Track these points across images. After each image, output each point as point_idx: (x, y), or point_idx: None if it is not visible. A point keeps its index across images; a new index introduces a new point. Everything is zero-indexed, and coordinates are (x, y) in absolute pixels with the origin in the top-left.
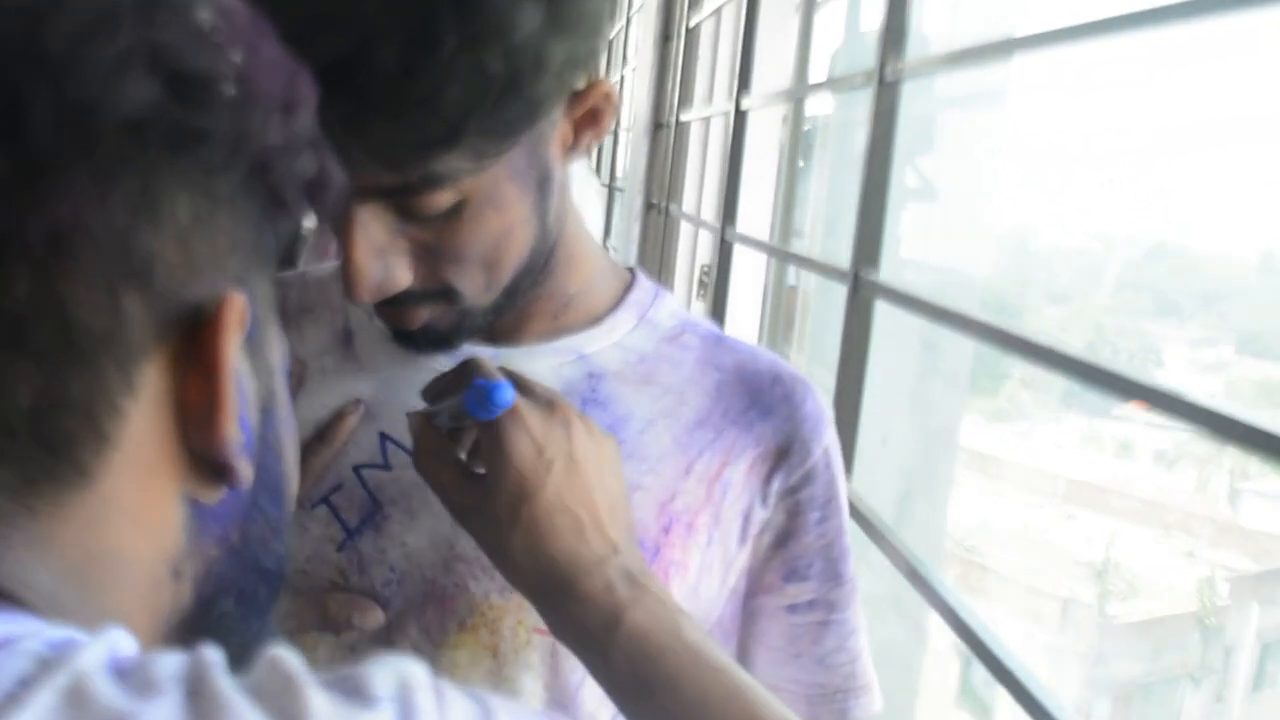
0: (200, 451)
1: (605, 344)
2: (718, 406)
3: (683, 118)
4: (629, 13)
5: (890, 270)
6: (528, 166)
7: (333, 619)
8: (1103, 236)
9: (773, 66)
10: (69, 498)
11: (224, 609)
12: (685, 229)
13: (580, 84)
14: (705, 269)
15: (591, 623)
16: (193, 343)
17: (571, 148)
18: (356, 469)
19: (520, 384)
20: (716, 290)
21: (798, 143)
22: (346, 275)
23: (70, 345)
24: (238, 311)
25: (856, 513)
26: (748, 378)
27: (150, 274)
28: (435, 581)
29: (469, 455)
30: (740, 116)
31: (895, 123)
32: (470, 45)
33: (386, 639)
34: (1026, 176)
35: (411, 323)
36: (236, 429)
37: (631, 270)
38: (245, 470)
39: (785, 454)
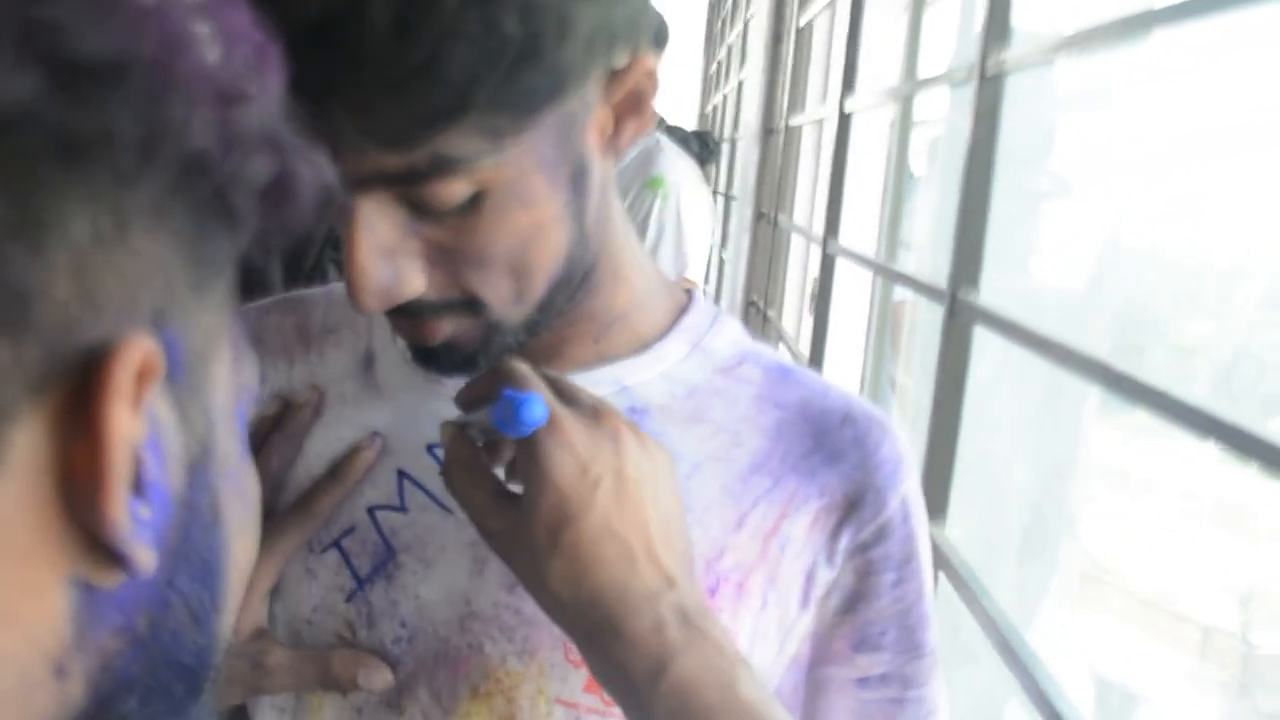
0: (90, 530)
1: (651, 374)
2: (776, 449)
3: (792, 122)
4: (746, 15)
5: (1011, 282)
6: (558, 155)
7: (337, 678)
8: (1248, 245)
9: (881, 68)
10: None
11: (127, 710)
12: (797, 240)
13: (619, 62)
14: (817, 283)
15: (635, 668)
16: (81, 399)
17: (613, 138)
18: (370, 510)
19: (561, 391)
20: (819, 306)
21: (905, 149)
22: (350, 278)
23: None
24: (135, 360)
25: (948, 566)
26: (813, 417)
27: (26, 314)
28: (448, 641)
29: (507, 471)
30: (845, 120)
31: (998, 122)
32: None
33: (395, 702)
34: (1161, 180)
35: (431, 336)
36: (124, 508)
37: (689, 290)
38: (143, 557)
39: (855, 506)
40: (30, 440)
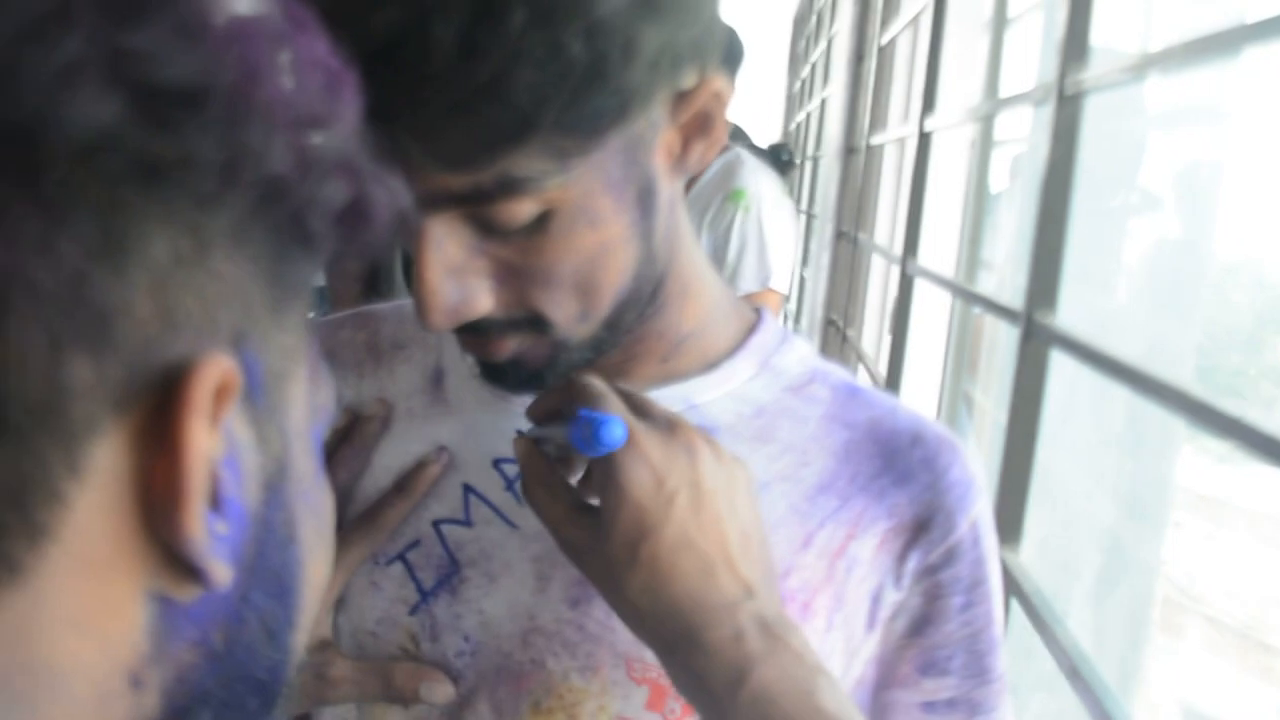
0: (168, 544)
1: (719, 393)
2: (845, 470)
3: (873, 141)
4: (829, 33)
5: (1093, 300)
6: (624, 176)
7: (399, 690)
8: None
9: (964, 87)
10: None
11: None
12: (877, 260)
13: (686, 82)
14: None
15: (715, 678)
16: (161, 416)
17: (680, 158)
18: (436, 524)
19: (636, 405)
20: (897, 326)
21: (985, 168)
22: (418, 297)
23: None
24: (214, 378)
25: (1020, 592)
26: (883, 437)
27: (109, 333)
28: (511, 656)
29: (582, 481)
30: (925, 139)
31: (1076, 142)
32: (543, 21)
33: (456, 716)
34: (1259, 198)
35: (497, 354)
36: (201, 523)
37: (758, 309)
38: (219, 572)
39: (924, 528)
40: (112, 456)
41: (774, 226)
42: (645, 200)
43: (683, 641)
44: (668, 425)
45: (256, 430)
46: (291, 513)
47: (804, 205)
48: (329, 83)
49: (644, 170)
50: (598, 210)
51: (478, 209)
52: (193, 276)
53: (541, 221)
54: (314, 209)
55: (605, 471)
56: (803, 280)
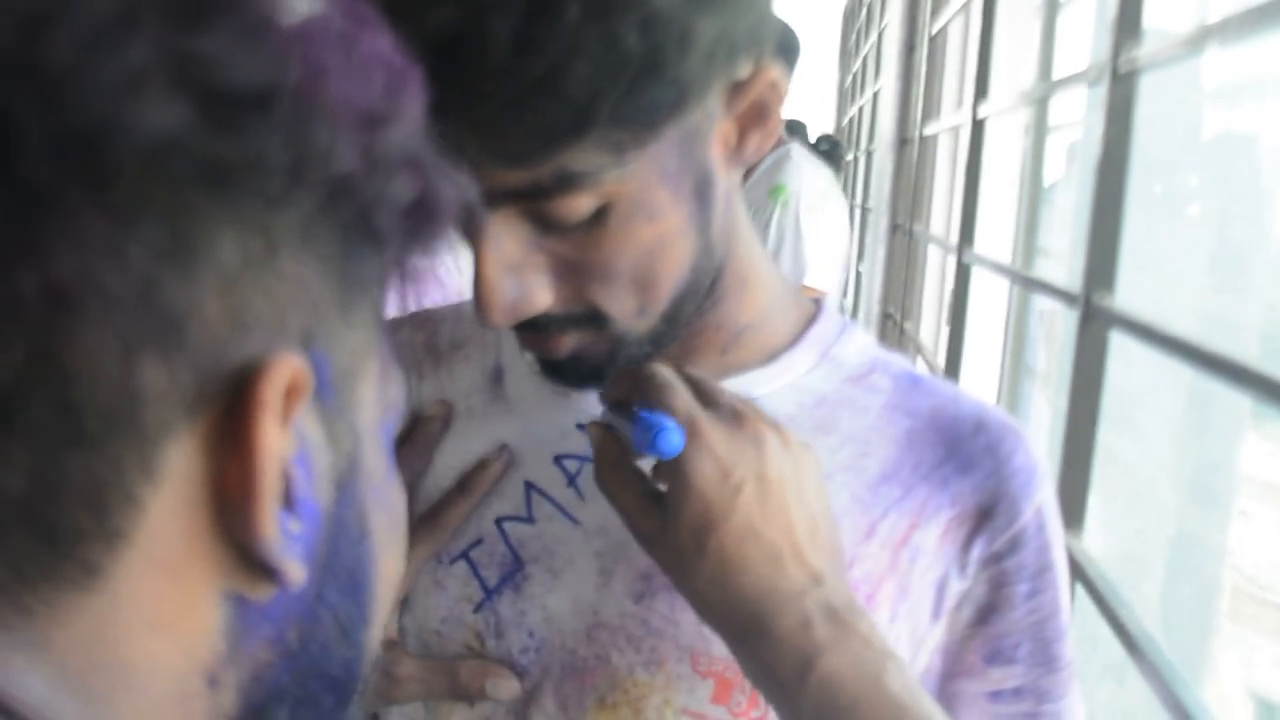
0: (242, 545)
1: (779, 384)
2: (907, 459)
3: (926, 131)
4: (880, 25)
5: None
6: (681, 168)
7: (465, 688)
8: None
9: (1016, 73)
10: (72, 599)
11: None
12: (933, 251)
13: (741, 73)
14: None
15: (783, 665)
16: (232, 417)
17: (737, 150)
18: (498, 521)
19: (703, 392)
20: (955, 316)
21: (1040, 153)
22: (478, 294)
23: (72, 424)
24: (284, 378)
25: (1085, 578)
26: (945, 425)
27: (180, 336)
28: (576, 651)
29: (655, 469)
30: (978, 126)
31: (1131, 121)
32: (598, 15)
33: (522, 713)
34: None
35: (556, 351)
36: (274, 523)
37: (817, 300)
38: (294, 570)
39: (988, 515)
40: (184, 458)
41: (814, 223)
42: (702, 192)
43: (751, 631)
44: (734, 415)
45: (327, 428)
46: (364, 509)
47: (859, 199)
48: (392, 80)
49: (700, 162)
50: (655, 203)
51: (535, 205)
52: (261, 277)
53: (599, 216)
54: (380, 206)
55: (671, 463)
56: (859, 275)
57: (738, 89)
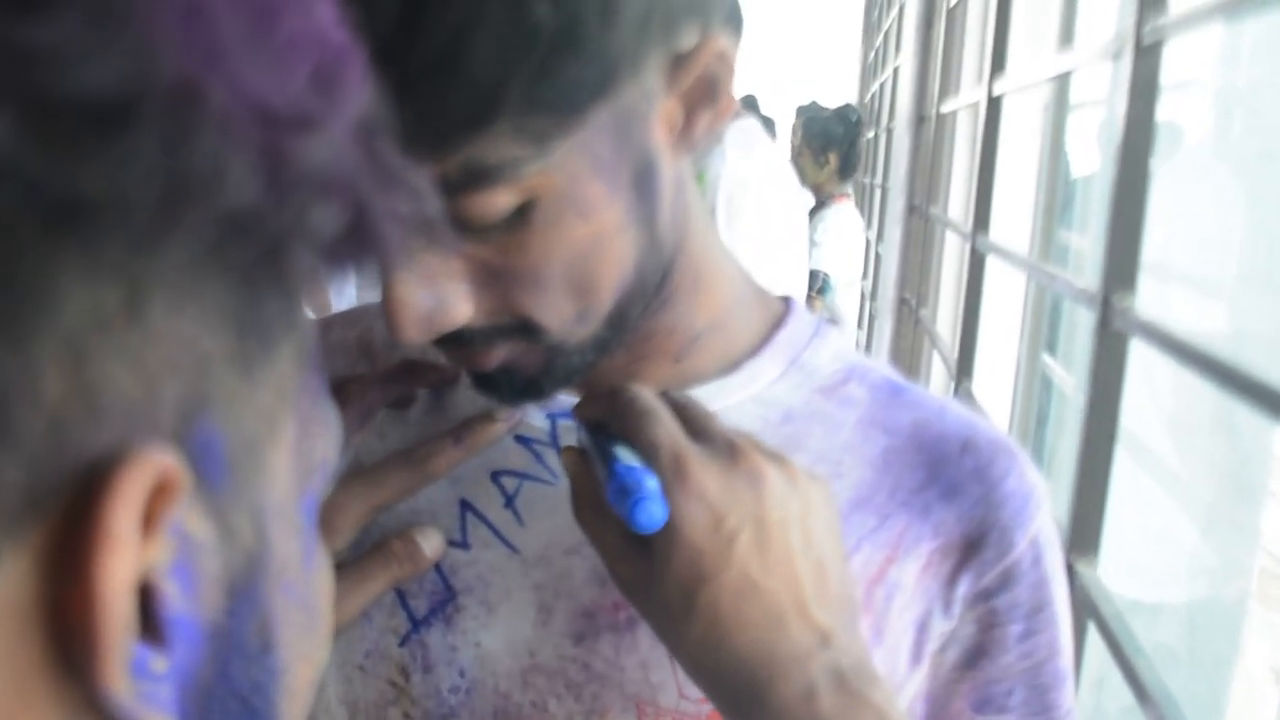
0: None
1: (742, 397)
2: (884, 482)
3: (943, 109)
4: (901, 0)
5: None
6: (616, 156)
7: (401, 559)
8: None
9: (1035, 49)
10: None
11: None
12: (952, 235)
13: (684, 44)
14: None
15: None
16: (74, 530)
17: (684, 132)
18: None
19: (691, 421)
20: (968, 306)
21: (1061, 133)
22: (387, 309)
23: None
24: (146, 478)
25: (1097, 615)
26: (927, 444)
27: (4, 424)
28: (510, 696)
29: None
30: (994, 104)
31: (1155, 96)
32: None
33: None
34: None
35: (485, 364)
36: (123, 672)
37: (786, 300)
38: None
39: (976, 547)
40: (11, 584)
41: (731, 217)
42: (643, 182)
43: (747, 699)
44: (728, 450)
45: (218, 522)
46: (267, 617)
47: (878, 178)
48: (323, 67)
49: (640, 148)
50: (587, 197)
51: (445, 204)
52: (123, 340)
53: (522, 214)
54: (295, 241)
55: None
56: (877, 256)
57: (680, 63)
